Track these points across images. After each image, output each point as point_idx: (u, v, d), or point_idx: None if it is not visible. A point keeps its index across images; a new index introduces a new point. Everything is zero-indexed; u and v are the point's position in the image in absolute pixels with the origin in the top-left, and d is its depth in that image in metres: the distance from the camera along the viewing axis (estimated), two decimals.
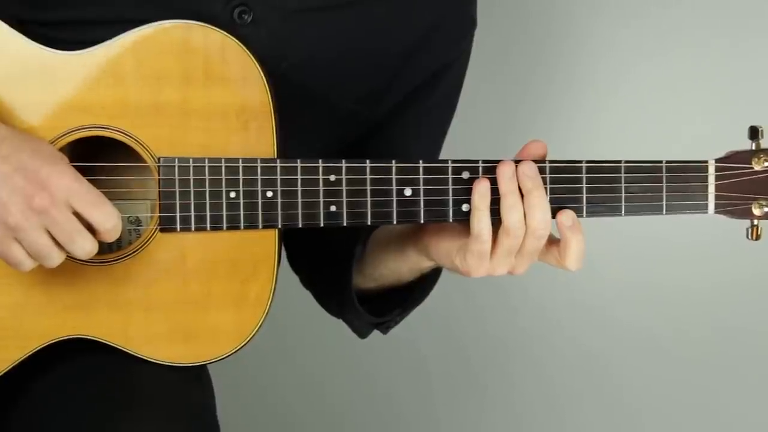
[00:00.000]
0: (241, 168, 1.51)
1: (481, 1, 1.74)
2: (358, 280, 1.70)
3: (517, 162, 1.52)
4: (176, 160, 1.51)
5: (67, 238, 1.44)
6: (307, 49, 1.61)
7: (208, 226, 1.52)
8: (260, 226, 1.53)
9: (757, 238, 1.58)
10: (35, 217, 1.43)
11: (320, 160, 1.52)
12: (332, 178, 1.52)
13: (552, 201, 1.53)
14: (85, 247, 1.45)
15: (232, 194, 1.51)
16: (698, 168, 1.56)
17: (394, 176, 1.53)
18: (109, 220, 1.45)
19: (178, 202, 1.51)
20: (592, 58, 2.45)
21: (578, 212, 1.54)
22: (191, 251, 1.53)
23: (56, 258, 1.45)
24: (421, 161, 1.53)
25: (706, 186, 1.56)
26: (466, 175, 1.53)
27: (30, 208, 1.42)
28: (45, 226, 1.43)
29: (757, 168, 1.56)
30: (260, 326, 1.55)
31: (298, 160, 1.52)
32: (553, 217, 1.53)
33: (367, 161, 1.52)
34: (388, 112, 1.70)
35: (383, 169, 1.52)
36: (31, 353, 1.52)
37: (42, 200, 1.42)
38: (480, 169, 1.53)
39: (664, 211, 1.56)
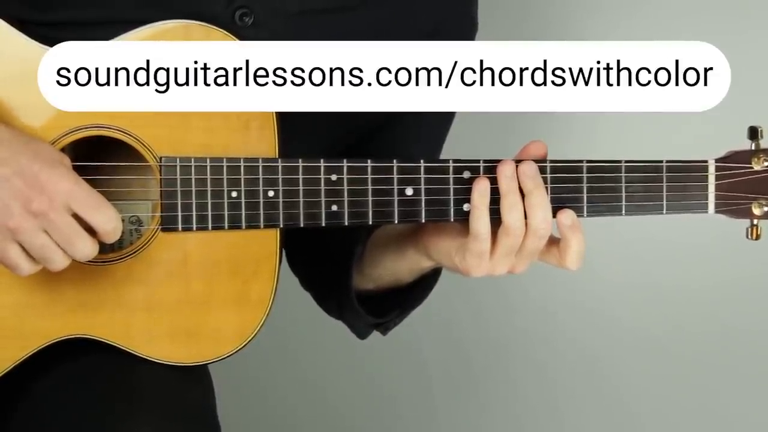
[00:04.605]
0: (242, 167, 1.51)
1: (482, 2, 1.74)
2: (357, 281, 1.70)
3: (517, 162, 1.52)
4: (178, 159, 1.51)
5: (66, 241, 1.44)
6: None
7: (210, 225, 1.52)
8: (262, 226, 1.53)
9: (757, 237, 1.58)
10: (34, 221, 1.43)
11: (322, 160, 1.52)
12: (334, 177, 1.52)
13: (552, 201, 1.53)
14: (84, 249, 1.45)
15: (234, 194, 1.52)
16: (698, 168, 1.56)
17: (395, 176, 1.53)
18: (109, 222, 1.45)
19: (179, 202, 1.51)
20: None
21: (579, 212, 1.54)
22: (193, 251, 1.53)
23: (59, 261, 1.45)
24: (422, 161, 1.53)
25: (706, 186, 1.56)
26: (467, 174, 1.53)
27: (29, 211, 1.43)
28: (44, 229, 1.43)
29: (756, 168, 1.56)
30: (261, 326, 1.54)
31: (300, 160, 1.52)
32: (553, 216, 1.53)
33: (369, 161, 1.52)
34: (388, 114, 1.70)
35: (384, 169, 1.53)
36: (32, 353, 1.52)
37: (41, 204, 1.43)
38: (481, 168, 1.53)
39: (664, 211, 1.56)
